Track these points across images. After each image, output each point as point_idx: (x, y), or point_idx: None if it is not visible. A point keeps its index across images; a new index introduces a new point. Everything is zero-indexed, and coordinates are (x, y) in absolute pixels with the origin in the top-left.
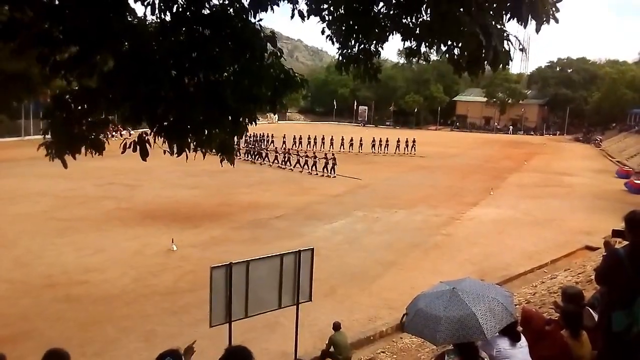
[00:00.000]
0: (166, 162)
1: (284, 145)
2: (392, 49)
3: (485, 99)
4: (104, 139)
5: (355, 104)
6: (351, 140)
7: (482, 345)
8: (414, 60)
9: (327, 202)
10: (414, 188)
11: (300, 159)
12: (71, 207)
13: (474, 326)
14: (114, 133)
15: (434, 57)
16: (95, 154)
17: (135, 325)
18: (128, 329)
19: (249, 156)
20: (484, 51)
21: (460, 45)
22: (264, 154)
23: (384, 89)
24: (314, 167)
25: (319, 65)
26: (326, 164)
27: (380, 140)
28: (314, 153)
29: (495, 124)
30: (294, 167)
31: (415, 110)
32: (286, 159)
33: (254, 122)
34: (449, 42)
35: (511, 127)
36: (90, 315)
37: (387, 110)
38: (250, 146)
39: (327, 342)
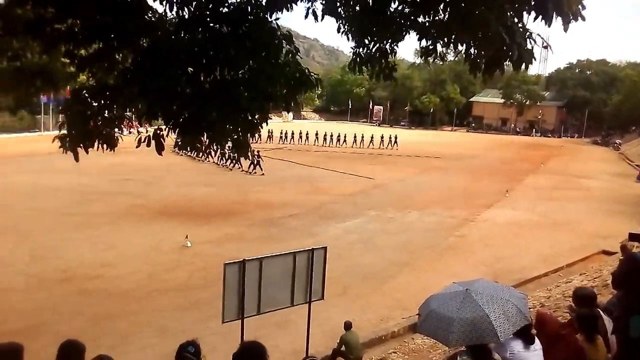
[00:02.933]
0: (182, 160)
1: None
2: (409, 48)
3: (502, 100)
4: (118, 136)
5: (371, 103)
6: (336, 136)
7: (495, 347)
8: (430, 60)
9: (341, 202)
10: (428, 189)
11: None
12: (87, 203)
13: (487, 328)
14: (130, 130)
15: (450, 57)
16: (107, 149)
17: (149, 320)
18: (141, 323)
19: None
20: (505, 50)
21: (479, 44)
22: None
23: (400, 88)
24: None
25: (335, 65)
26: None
27: (363, 136)
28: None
29: (513, 125)
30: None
31: (431, 110)
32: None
33: (266, 122)
34: (467, 42)
35: (534, 129)
36: (104, 309)
37: (403, 110)
38: None
39: (338, 341)
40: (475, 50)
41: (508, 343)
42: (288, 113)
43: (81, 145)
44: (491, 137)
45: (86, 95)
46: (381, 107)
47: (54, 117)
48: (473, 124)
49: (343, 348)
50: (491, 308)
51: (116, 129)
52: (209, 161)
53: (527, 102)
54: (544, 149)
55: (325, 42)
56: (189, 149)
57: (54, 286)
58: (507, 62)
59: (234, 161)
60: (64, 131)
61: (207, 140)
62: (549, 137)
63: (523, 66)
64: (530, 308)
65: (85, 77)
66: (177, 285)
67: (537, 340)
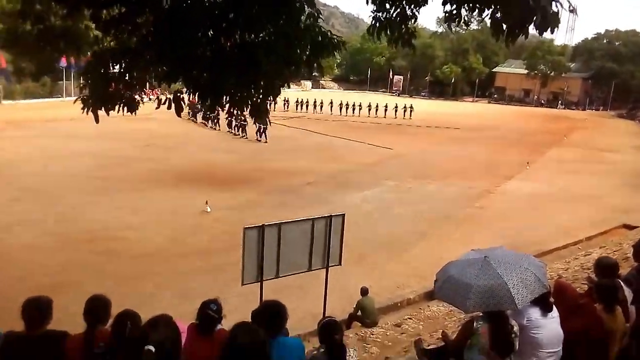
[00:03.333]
0: (200, 127)
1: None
2: (431, 17)
3: (526, 71)
4: (138, 100)
5: (391, 73)
6: (352, 105)
7: (512, 314)
8: (453, 26)
9: (359, 171)
10: (448, 160)
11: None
12: (111, 168)
13: (505, 295)
14: (150, 96)
15: (473, 26)
16: (128, 112)
17: (171, 282)
18: (164, 285)
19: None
20: (530, 14)
21: (504, 7)
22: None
23: (421, 58)
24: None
25: (355, 33)
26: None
27: (377, 106)
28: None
29: (536, 97)
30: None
31: (452, 81)
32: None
33: (287, 86)
34: (493, 5)
35: (559, 101)
36: (128, 270)
37: (423, 80)
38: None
39: (354, 306)
40: (500, 15)
41: (525, 310)
42: (310, 79)
43: (102, 107)
44: (513, 109)
45: (108, 58)
46: (401, 77)
47: (75, 83)
48: (495, 95)
49: (359, 313)
50: (509, 276)
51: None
52: (218, 129)
53: (552, 73)
54: (567, 122)
55: (346, 10)
56: (201, 117)
57: (79, 246)
58: (531, 28)
59: (240, 129)
60: (86, 93)
61: (228, 104)
62: (573, 109)
63: (548, 31)
64: (548, 279)
65: (109, 40)
66: (198, 249)
67: (554, 309)
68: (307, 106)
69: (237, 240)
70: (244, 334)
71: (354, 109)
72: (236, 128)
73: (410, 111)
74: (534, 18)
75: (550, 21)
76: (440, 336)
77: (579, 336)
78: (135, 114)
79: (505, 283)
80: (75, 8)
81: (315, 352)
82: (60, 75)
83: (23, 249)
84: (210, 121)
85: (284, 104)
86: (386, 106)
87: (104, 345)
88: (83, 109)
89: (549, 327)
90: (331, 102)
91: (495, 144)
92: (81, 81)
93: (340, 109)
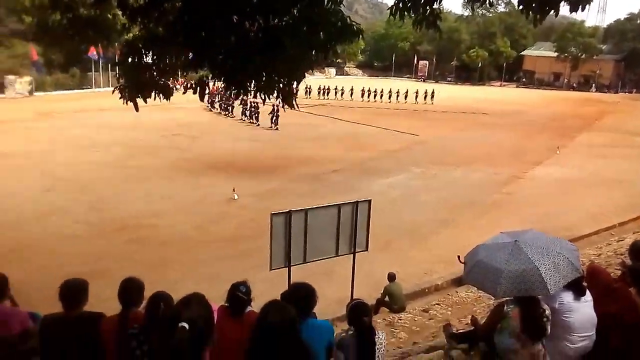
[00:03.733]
0: (219, 115)
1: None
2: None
3: (555, 54)
4: (172, 86)
5: (416, 58)
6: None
7: (544, 298)
8: (477, 7)
9: (384, 158)
10: (474, 146)
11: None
12: (139, 156)
13: (537, 281)
14: (177, 86)
15: (501, 8)
16: (163, 99)
17: (199, 268)
18: (192, 270)
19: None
20: None
21: None
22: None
23: (447, 42)
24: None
25: (379, 19)
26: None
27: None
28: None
29: (566, 80)
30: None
31: (479, 65)
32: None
33: (312, 72)
34: None
35: (592, 84)
36: (157, 257)
37: (449, 65)
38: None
39: (382, 292)
40: None
41: (558, 294)
42: (335, 66)
43: (139, 96)
44: (542, 93)
45: (139, 46)
46: (426, 62)
47: (104, 74)
48: (523, 79)
49: (387, 298)
50: (541, 260)
51: (170, 80)
52: (232, 117)
53: (583, 56)
54: (598, 105)
55: None
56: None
57: (111, 234)
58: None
59: (253, 117)
60: (123, 83)
61: (254, 89)
62: (605, 92)
63: (579, 11)
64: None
65: (137, 29)
66: (225, 236)
67: (587, 292)
68: (328, 93)
69: (264, 227)
70: (275, 312)
71: (375, 95)
72: (249, 116)
73: (432, 96)
74: None
75: None
76: (469, 321)
77: (613, 320)
78: (169, 99)
79: (537, 268)
80: None
81: (344, 334)
82: (90, 66)
83: (58, 238)
84: (224, 109)
85: (306, 91)
86: (407, 92)
87: (137, 326)
88: (121, 98)
89: (581, 311)
90: (352, 89)
91: (523, 129)
92: (109, 75)
93: (362, 95)
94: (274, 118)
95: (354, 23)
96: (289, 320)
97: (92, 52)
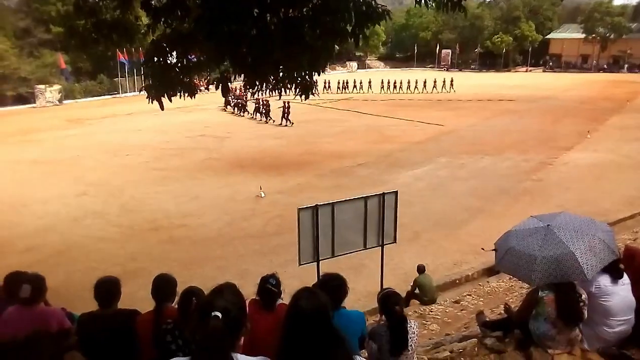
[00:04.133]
0: (235, 115)
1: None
2: None
3: (583, 35)
4: (197, 84)
5: (438, 47)
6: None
7: (580, 282)
8: None
9: (410, 150)
10: (501, 133)
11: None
12: (168, 158)
13: (572, 266)
14: (201, 88)
15: None
16: (188, 97)
17: (230, 265)
18: (224, 268)
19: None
20: None
21: None
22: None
23: (469, 30)
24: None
25: (399, 9)
26: (283, 111)
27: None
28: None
29: (595, 62)
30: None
31: (504, 51)
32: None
33: (332, 61)
34: None
35: (625, 65)
36: (190, 255)
37: (473, 53)
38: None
39: (412, 284)
40: None
41: (594, 278)
42: (357, 57)
43: (165, 94)
44: (571, 76)
45: (164, 45)
46: (449, 51)
47: (129, 79)
48: (550, 63)
49: (417, 290)
50: (576, 244)
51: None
52: (244, 116)
53: (611, 36)
54: (630, 86)
55: None
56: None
57: (144, 235)
58: None
59: (264, 115)
60: (149, 82)
61: (274, 82)
62: (637, 72)
63: None
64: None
65: (161, 28)
66: (254, 233)
67: (625, 275)
68: (347, 87)
69: (291, 223)
70: (306, 298)
71: (395, 87)
72: (262, 114)
73: (451, 84)
74: None
75: None
76: (502, 310)
77: None
78: (194, 97)
79: (572, 252)
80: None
81: (376, 324)
82: (116, 72)
83: (93, 241)
84: (237, 108)
85: (325, 86)
86: (425, 82)
87: (171, 321)
88: (147, 97)
89: (619, 294)
90: (370, 82)
91: (552, 115)
92: (142, 73)
93: (382, 87)
94: (286, 115)
95: (379, 5)
96: (322, 306)
97: (121, 58)
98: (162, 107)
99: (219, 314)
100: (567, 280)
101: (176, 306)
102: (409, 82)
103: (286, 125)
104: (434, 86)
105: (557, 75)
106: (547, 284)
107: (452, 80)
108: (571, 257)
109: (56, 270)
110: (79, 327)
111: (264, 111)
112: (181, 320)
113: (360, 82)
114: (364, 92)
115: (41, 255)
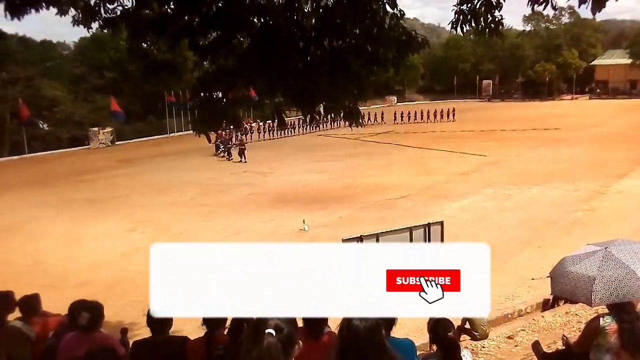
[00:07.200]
0: (292, 150)
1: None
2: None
3: (630, 60)
4: (243, 116)
5: (478, 78)
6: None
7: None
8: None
9: (454, 181)
10: (548, 162)
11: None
12: (213, 194)
13: (634, 284)
14: (245, 125)
15: (565, 19)
16: (234, 129)
17: None
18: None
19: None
20: None
21: None
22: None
23: (509, 59)
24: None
25: (437, 42)
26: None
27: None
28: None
29: None
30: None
31: (547, 79)
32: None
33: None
34: None
35: None
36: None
37: (514, 82)
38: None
39: (462, 319)
40: None
41: None
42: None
43: (211, 127)
44: (619, 102)
45: (210, 80)
46: (490, 81)
47: (177, 119)
48: (597, 90)
49: (467, 325)
50: (637, 264)
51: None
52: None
53: None
54: None
55: (426, 21)
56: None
57: None
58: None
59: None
60: (196, 117)
61: (323, 111)
62: None
63: None
64: None
65: (207, 66)
66: None
67: None
68: (375, 119)
69: None
70: (357, 318)
71: (415, 117)
72: (227, 153)
73: (453, 113)
74: None
75: None
76: (561, 342)
77: None
78: (239, 129)
79: (634, 271)
80: (176, 39)
81: (426, 353)
82: (164, 113)
83: (143, 275)
84: (223, 152)
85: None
86: (428, 112)
87: (222, 347)
88: (194, 130)
89: None
90: (398, 114)
91: (601, 142)
92: (182, 121)
93: (395, 118)
94: (243, 152)
95: (418, 35)
96: (375, 325)
97: (169, 99)
98: (209, 140)
99: (273, 331)
100: (629, 299)
101: (226, 333)
102: (427, 112)
103: (241, 161)
104: (434, 115)
105: (605, 102)
106: (608, 312)
107: (453, 110)
108: (633, 275)
109: (107, 304)
110: (132, 353)
111: (223, 149)
112: (232, 346)
113: (383, 114)
114: (385, 123)
115: (93, 289)
